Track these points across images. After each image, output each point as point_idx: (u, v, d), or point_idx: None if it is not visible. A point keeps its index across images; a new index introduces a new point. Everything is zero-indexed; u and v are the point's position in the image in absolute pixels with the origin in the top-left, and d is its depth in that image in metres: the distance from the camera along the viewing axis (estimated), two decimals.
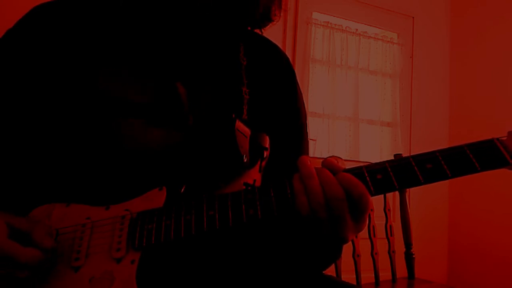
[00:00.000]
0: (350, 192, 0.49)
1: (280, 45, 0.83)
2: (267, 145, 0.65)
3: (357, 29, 2.97)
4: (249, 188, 0.55)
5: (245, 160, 0.61)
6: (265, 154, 0.64)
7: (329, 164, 0.52)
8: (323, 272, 0.74)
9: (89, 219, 0.56)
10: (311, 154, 2.79)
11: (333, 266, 1.46)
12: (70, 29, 0.66)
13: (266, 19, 0.73)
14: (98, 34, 0.66)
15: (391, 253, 1.60)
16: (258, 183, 0.62)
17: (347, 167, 0.53)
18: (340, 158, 0.54)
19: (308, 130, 0.80)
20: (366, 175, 0.51)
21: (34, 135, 0.65)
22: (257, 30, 0.77)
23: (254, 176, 0.62)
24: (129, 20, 0.68)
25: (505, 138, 0.49)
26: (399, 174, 0.50)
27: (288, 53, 2.75)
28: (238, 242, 0.63)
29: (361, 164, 0.53)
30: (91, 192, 0.59)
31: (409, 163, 0.50)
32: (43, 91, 0.63)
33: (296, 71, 0.82)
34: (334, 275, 1.44)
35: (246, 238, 0.64)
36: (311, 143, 2.67)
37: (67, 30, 0.66)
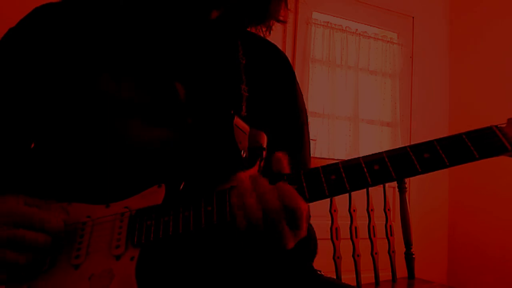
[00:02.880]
0: (287, 204, 0.49)
1: (280, 45, 0.83)
2: (265, 145, 0.65)
3: (357, 29, 2.97)
4: None
5: (244, 156, 0.61)
6: (264, 154, 0.64)
7: (275, 164, 0.52)
8: (323, 272, 0.74)
9: (89, 217, 0.57)
10: (311, 154, 2.79)
11: (333, 266, 1.46)
12: (71, 29, 0.66)
13: (272, 19, 0.75)
14: (98, 34, 0.67)
15: (391, 253, 1.60)
16: None
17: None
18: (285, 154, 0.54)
19: (309, 129, 0.81)
20: (364, 166, 0.50)
21: (34, 134, 0.66)
22: (261, 31, 0.77)
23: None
24: (128, 20, 0.69)
25: (504, 125, 0.49)
26: (397, 163, 0.50)
27: (288, 53, 2.75)
28: (236, 237, 0.63)
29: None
30: (91, 190, 0.59)
31: (407, 153, 0.50)
32: (43, 91, 0.64)
33: (296, 71, 0.82)
34: (334, 275, 1.44)
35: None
36: (311, 143, 2.67)
37: (68, 30, 0.66)
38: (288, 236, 0.50)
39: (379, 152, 0.51)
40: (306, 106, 0.81)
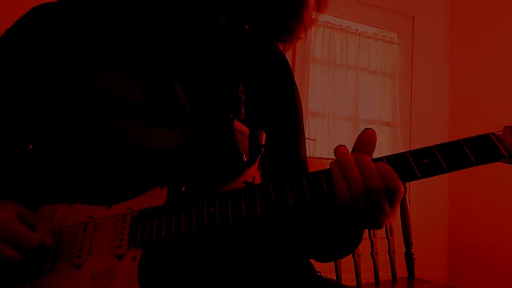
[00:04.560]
0: (389, 184, 0.50)
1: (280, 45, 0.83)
2: (264, 142, 0.65)
3: (357, 29, 2.97)
4: (248, 186, 0.55)
5: (245, 159, 0.62)
6: (262, 150, 0.65)
7: (362, 144, 0.53)
8: (323, 272, 0.74)
9: (91, 218, 0.57)
10: (311, 154, 2.80)
11: (333, 266, 1.46)
12: (69, 29, 0.66)
13: (285, 33, 0.76)
14: (97, 34, 0.67)
15: (391, 253, 1.60)
16: (257, 181, 0.63)
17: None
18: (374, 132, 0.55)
19: (305, 128, 0.81)
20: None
21: (33, 135, 0.66)
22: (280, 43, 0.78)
23: (253, 173, 0.63)
24: (127, 20, 0.69)
25: (501, 132, 0.51)
26: (397, 169, 0.51)
27: (288, 53, 2.73)
28: (238, 239, 0.63)
29: None
30: (93, 191, 0.60)
31: (406, 158, 0.51)
32: (44, 92, 0.64)
33: (296, 71, 0.83)
34: (334, 275, 1.44)
35: (245, 235, 0.64)
36: (311, 143, 2.67)
37: (66, 31, 0.66)
38: (387, 214, 0.52)
39: (379, 157, 0.53)
40: (306, 106, 0.82)
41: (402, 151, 0.53)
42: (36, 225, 0.55)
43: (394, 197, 0.51)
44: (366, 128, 0.54)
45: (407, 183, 0.53)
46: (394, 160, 0.52)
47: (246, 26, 0.76)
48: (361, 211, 0.51)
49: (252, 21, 0.74)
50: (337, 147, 0.53)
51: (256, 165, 0.63)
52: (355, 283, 1.48)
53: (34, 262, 0.54)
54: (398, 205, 0.53)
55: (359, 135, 0.54)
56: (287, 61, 0.82)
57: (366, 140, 0.54)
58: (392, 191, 0.50)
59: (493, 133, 0.51)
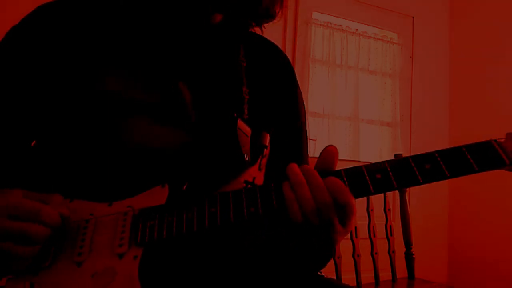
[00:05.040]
0: (336, 198, 0.50)
1: (280, 45, 0.83)
2: (267, 143, 0.65)
3: (357, 29, 2.97)
4: (249, 186, 0.56)
5: (247, 159, 0.62)
6: (265, 151, 0.65)
7: (323, 161, 0.53)
8: (320, 270, 0.74)
9: (92, 215, 0.57)
10: (311, 154, 2.79)
11: (333, 266, 1.46)
12: (74, 28, 0.67)
13: (268, 17, 0.74)
14: (101, 34, 0.67)
15: (391, 253, 1.60)
16: (258, 181, 0.63)
17: (345, 167, 0.53)
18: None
19: (308, 129, 0.81)
20: (366, 174, 0.52)
21: (36, 132, 0.66)
22: (257, 29, 0.78)
23: (254, 174, 0.63)
24: (131, 20, 0.69)
25: (503, 139, 0.50)
26: (398, 174, 0.51)
27: (288, 53, 2.75)
28: (239, 239, 0.64)
29: (361, 164, 0.53)
30: (94, 188, 0.60)
31: (408, 163, 0.51)
32: (46, 90, 0.64)
33: (296, 71, 0.83)
34: (334, 275, 1.44)
35: (246, 236, 0.64)
36: (311, 143, 2.68)
37: (71, 30, 0.66)
38: (338, 231, 0.52)
39: (381, 162, 0.52)
40: (306, 106, 0.82)
41: (402, 151, 0.54)
42: (47, 201, 0.55)
43: (344, 213, 0.50)
44: (328, 146, 0.54)
45: None
46: (395, 165, 0.51)
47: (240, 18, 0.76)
48: (315, 229, 0.51)
49: (246, 14, 0.73)
50: (288, 166, 0.53)
51: (257, 166, 0.63)
52: (355, 283, 1.48)
53: (37, 255, 0.53)
54: (352, 222, 0.52)
55: (322, 151, 0.54)
56: (290, 63, 0.82)
57: (328, 157, 0.53)
58: (341, 205, 0.50)
59: (495, 140, 0.50)
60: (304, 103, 0.82)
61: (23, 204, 0.52)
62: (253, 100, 0.71)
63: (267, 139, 0.66)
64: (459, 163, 0.50)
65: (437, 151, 0.51)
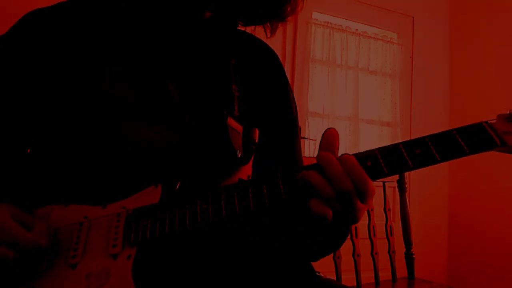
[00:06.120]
0: (357, 185, 0.50)
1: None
2: (257, 139, 0.66)
3: (357, 29, 2.97)
4: (241, 181, 0.55)
5: (239, 156, 0.62)
6: (254, 148, 0.65)
7: (327, 143, 0.53)
8: (322, 272, 0.74)
9: (86, 218, 0.57)
10: (311, 154, 2.80)
11: (333, 266, 1.46)
12: (65, 31, 0.67)
13: (273, 16, 0.75)
14: (93, 34, 0.67)
15: (391, 253, 1.60)
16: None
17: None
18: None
19: (305, 127, 0.81)
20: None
21: (31, 137, 0.66)
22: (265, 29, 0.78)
23: (248, 172, 0.63)
24: (122, 20, 0.69)
25: (494, 121, 0.51)
26: (388, 159, 0.51)
27: (288, 53, 2.75)
28: (233, 236, 0.64)
29: None
30: (88, 191, 0.60)
31: (398, 149, 0.51)
32: (41, 93, 0.64)
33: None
34: (334, 275, 1.44)
35: (242, 231, 0.64)
36: (311, 143, 2.68)
37: (61, 33, 0.67)
38: (360, 209, 0.52)
39: (371, 149, 0.52)
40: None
41: None
42: (32, 225, 0.54)
43: (364, 195, 0.51)
44: (328, 128, 0.55)
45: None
46: (385, 151, 0.51)
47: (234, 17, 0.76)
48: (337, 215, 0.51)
49: (238, 10, 0.73)
50: (322, 155, 0.52)
51: (251, 163, 0.63)
52: (355, 283, 1.48)
53: (30, 262, 0.54)
54: (371, 200, 0.53)
55: (323, 135, 0.54)
56: (278, 59, 0.82)
57: (330, 139, 0.53)
58: (360, 191, 0.50)
59: (486, 122, 0.50)
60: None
61: (5, 229, 0.52)
62: (243, 97, 0.71)
63: (257, 135, 0.66)
64: (450, 146, 0.49)
65: (427, 136, 0.51)
